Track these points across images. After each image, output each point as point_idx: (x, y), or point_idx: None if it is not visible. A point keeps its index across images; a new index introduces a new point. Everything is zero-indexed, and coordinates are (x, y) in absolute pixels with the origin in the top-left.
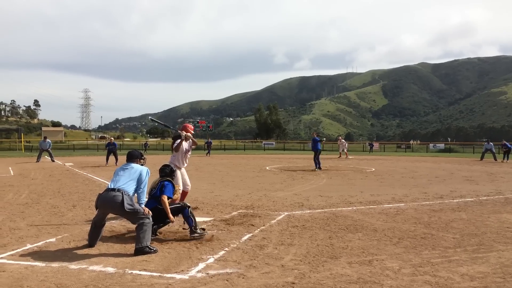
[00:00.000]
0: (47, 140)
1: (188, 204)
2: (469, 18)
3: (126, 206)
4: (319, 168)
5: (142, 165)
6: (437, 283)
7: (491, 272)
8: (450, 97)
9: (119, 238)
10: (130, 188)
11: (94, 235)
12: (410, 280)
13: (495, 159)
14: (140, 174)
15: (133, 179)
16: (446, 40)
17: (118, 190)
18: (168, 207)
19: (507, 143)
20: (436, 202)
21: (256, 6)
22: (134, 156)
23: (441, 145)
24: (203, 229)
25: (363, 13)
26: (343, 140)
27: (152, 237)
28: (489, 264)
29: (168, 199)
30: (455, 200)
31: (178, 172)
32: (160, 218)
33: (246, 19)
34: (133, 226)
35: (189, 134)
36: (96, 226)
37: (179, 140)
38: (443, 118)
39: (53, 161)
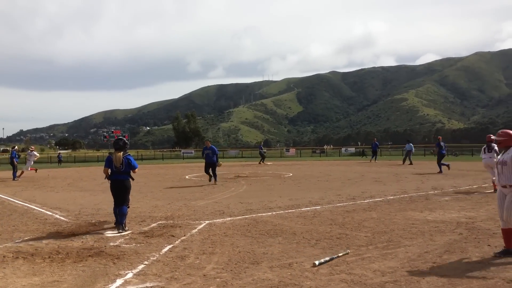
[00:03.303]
0: None
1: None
2: (370, 30)
3: None
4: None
5: None
6: (352, 281)
7: (400, 266)
8: (358, 103)
9: (27, 259)
10: None
11: None
12: (327, 279)
13: (410, 161)
14: None
15: None
16: (351, 50)
17: None
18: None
19: (376, 143)
20: (349, 203)
21: (171, 13)
22: None
23: (352, 149)
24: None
25: (274, 23)
26: (35, 152)
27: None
28: (398, 259)
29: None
30: (366, 201)
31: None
32: (123, 191)
33: (161, 26)
34: (42, 245)
35: None
36: None
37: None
38: (353, 124)
39: None
